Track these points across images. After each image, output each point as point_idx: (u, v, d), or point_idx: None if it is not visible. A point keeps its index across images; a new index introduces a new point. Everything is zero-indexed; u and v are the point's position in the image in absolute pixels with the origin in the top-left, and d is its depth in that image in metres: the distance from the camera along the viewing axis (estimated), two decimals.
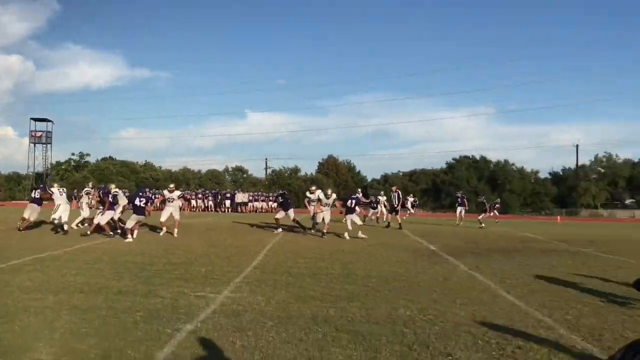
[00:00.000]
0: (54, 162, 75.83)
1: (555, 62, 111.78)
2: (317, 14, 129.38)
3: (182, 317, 6.15)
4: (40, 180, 62.86)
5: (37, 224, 18.08)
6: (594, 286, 8.98)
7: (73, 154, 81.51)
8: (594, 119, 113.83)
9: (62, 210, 16.35)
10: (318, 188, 18.92)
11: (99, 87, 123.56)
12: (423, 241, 16.80)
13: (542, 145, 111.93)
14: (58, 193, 16.74)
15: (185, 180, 68.54)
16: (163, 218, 16.87)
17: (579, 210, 62.07)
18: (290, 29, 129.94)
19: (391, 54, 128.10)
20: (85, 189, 19.85)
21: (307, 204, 19.27)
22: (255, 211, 41.25)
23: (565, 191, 69.96)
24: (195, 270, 9.66)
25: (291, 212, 18.72)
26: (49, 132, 70.71)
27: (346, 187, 65.40)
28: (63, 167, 78.21)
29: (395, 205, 22.46)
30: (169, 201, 17.16)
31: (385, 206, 26.08)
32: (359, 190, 24.71)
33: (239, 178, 76.82)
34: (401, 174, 77.56)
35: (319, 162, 78.56)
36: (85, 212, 18.68)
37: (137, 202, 15.70)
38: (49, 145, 71.57)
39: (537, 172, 74.48)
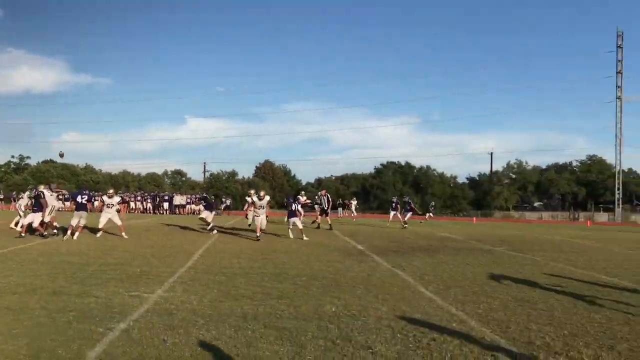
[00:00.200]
0: None
1: (473, 76, 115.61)
2: (254, 24, 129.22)
3: (116, 316, 5.97)
4: None
5: None
6: (503, 282, 9.29)
7: (13, 157, 78.09)
8: (507, 129, 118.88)
9: None
10: (256, 192, 18.68)
11: (41, 92, 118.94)
12: (352, 241, 16.94)
13: (461, 153, 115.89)
14: None
15: (124, 183, 66.75)
16: (101, 224, 16.22)
17: (493, 212, 64.26)
18: (229, 38, 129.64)
19: (325, 66, 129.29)
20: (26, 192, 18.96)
21: (245, 207, 19.29)
22: (193, 213, 40.47)
23: (480, 195, 72.38)
24: (131, 270, 9.40)
25: (211, 214, 19.16)
26: None
27: (282, 191, 65.43)
28: (2, 169, 74.64)
29: (325, 208, 22.55)
30: (109, 207, 16.59)
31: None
32: (302, 193, 24.86)
33: (178, 181, 75.65)
34: (333, 178, 78.33)
35: (256, 167, 78.29)
36: (24, 214, 17.84)
37: (79, 199, 15.40)
38: None
39: (455, 177, 76.92)
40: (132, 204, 41.07)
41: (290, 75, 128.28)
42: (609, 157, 68.38)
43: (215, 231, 18.46)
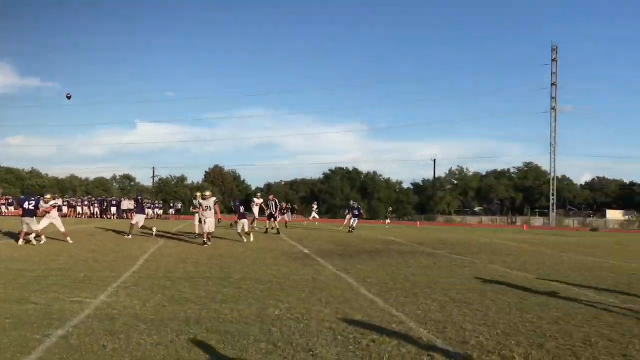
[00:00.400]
0: None
1: (417, 86, 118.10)
2: (204, 29, 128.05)
3: (54, 322, 5.73)
4: None
5: None
6: (442, 284, 9.46)
7: None
8: (449, 136, 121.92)
9: None
10: (201, 193, 18.32)
11: None
12: (298, 245, 16.91)
13: (406, 159, 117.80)
14: None
15: (71, 187, 64.66)
16: (40, 227, 15.49)
17: (436, 216, 65.59)
18: (180, 43, 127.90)
19: (275, 73, 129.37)
20: None
21: (192, 210, 19.02)
22: None
23: (424, 199, 73.86)
24: (74, 275, 9.08)
25: (142, 217, 18.87)
26: None
27: (231, 195, 64.78)
28: None
29: (273, 212, 22.46)
30: (47, 211, 15.93)
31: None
32: (258, 195, 25.51)
33: (127, 186, 73.86)
34: (283, 183, 78.20)
35: (206, 172, 77.40)
36: None
37: (26, 205, 14.80)
38: None
39: (401, 182, 78.38)
40: (79, 209, 39.91)
41: (240, 81, 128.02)
42: (544, 164, 71.06)
43: (153, 231, 18.43)
